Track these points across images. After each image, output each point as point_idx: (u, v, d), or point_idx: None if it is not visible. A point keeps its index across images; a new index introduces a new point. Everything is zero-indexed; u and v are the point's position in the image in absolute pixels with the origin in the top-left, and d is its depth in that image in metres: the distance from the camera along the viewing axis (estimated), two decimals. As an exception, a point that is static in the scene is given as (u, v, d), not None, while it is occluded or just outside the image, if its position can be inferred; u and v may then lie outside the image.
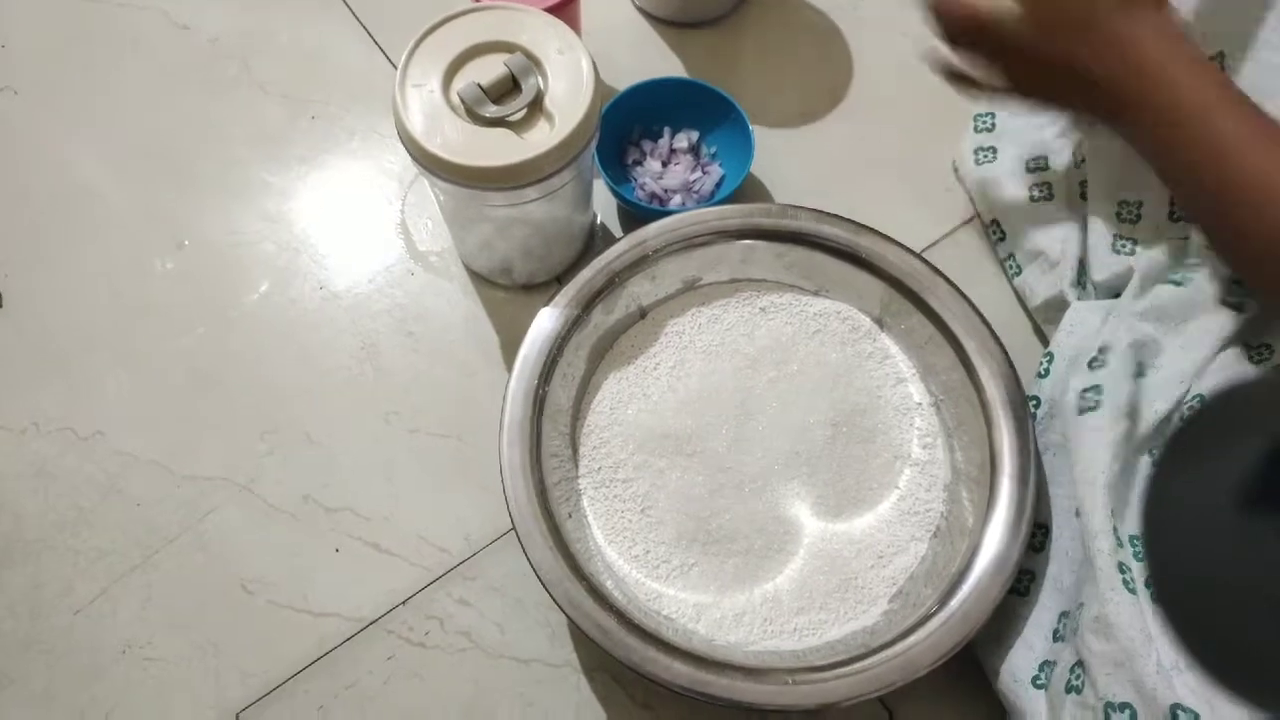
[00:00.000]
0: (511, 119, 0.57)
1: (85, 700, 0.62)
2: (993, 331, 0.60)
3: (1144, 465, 0.54)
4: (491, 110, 0.57)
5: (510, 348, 0.71)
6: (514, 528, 0.55)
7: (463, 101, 0.57)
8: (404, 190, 0.77)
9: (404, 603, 0.64)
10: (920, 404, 0.63)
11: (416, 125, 0.57)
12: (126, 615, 0.64)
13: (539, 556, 0.54)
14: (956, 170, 0.76)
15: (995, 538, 0.54)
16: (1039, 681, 0.53)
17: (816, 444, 0.61)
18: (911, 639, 0.52)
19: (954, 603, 0.53)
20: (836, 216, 0.63)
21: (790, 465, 0.61)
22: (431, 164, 0.57)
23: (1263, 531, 0.41)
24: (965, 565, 0.54)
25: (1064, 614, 0.54)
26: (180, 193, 0.77)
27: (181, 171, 0.78)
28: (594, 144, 0.60)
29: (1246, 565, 0.42)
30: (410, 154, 0.58)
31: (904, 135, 0.79)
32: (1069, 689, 0.50)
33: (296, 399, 0.70)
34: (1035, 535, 0.57)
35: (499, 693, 0.62)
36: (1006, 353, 0.59)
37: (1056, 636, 0.54)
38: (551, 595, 0.54)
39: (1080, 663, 0.49)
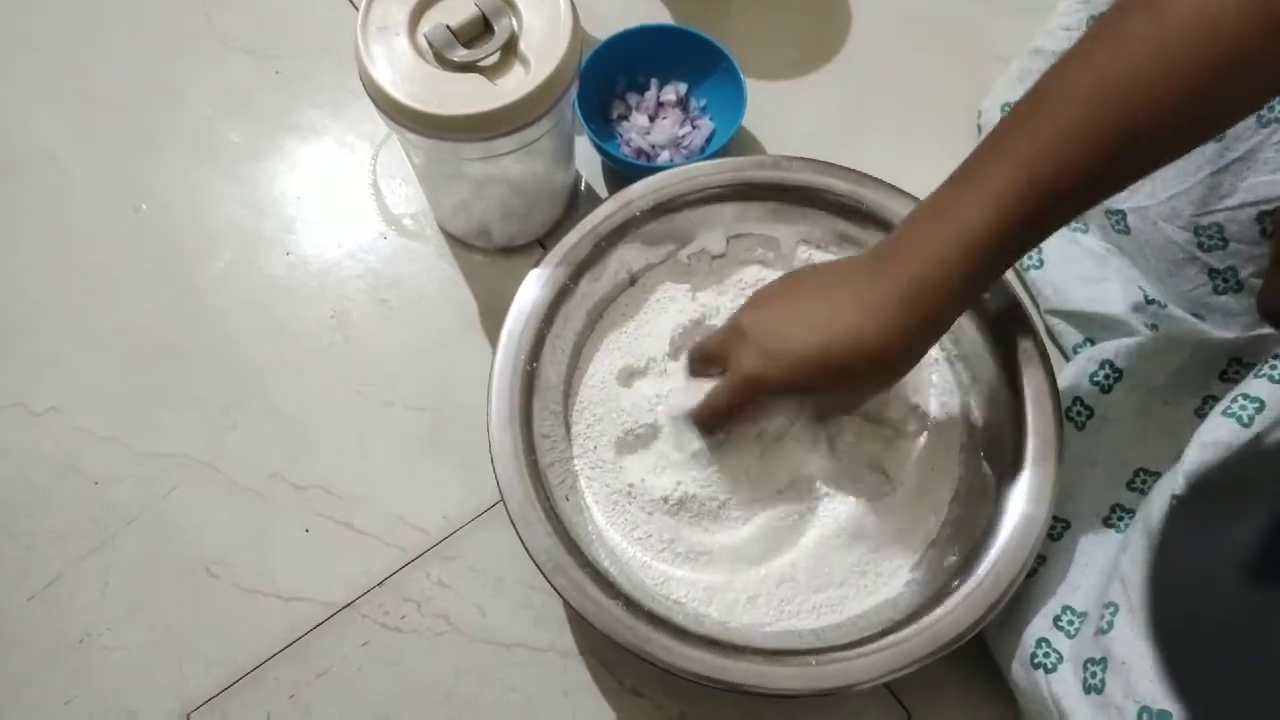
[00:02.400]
0: (483, 64, 0.53)
1: (40, 691, 0.58)
2: (1010, 284, 0.56)
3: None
4: (461, 54, 0.52)
5: (490, 314, 0.67)
6: (509, 515, 0.51)
7: (430, 45, 0.53)
8: (375, 149, 0.73)
9: (379, 585, 0.60)
10: (935, 359, 0.59)
11: (381, 72, 0.53)
12: (84, 601, 0.60)
13: (538, 544, 0.51)
14: (980, 119, 0.72)
15: (1020, 499, 0.51)
16: (1036, 660, 0.51)
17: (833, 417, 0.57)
18: (938, 610, 0.49)
19: (981, 569, 0.50)
20: (837, 166, 0.59)
21: (800, 434, 0.57)
22: (397, 114, 0.53)
23: (1267, 602, 0.41)
24: (990, 528, 0.51)
25: (1069, 608, 0.52)
26: (138, 153, 0.73)
27: (139, 131, 0.74)
28: (574, 91, 0.56)
29: (1250, 635, 0.41)
30: (375, 103, 0.54)
31: (909, 85, 0.75)
32: (1088, 689, 0.47)
33: (263, 371, 0.66)
34: (1053, 526, 0.55)
35: (481, 678, 0.58)
36: (1026, 306, 0.56)
37: (1057, 623, 0.52)
38: (554, 585, 0.50)
39: (1100, 660, 0.46)
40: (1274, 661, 0.42)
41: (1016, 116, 0.43)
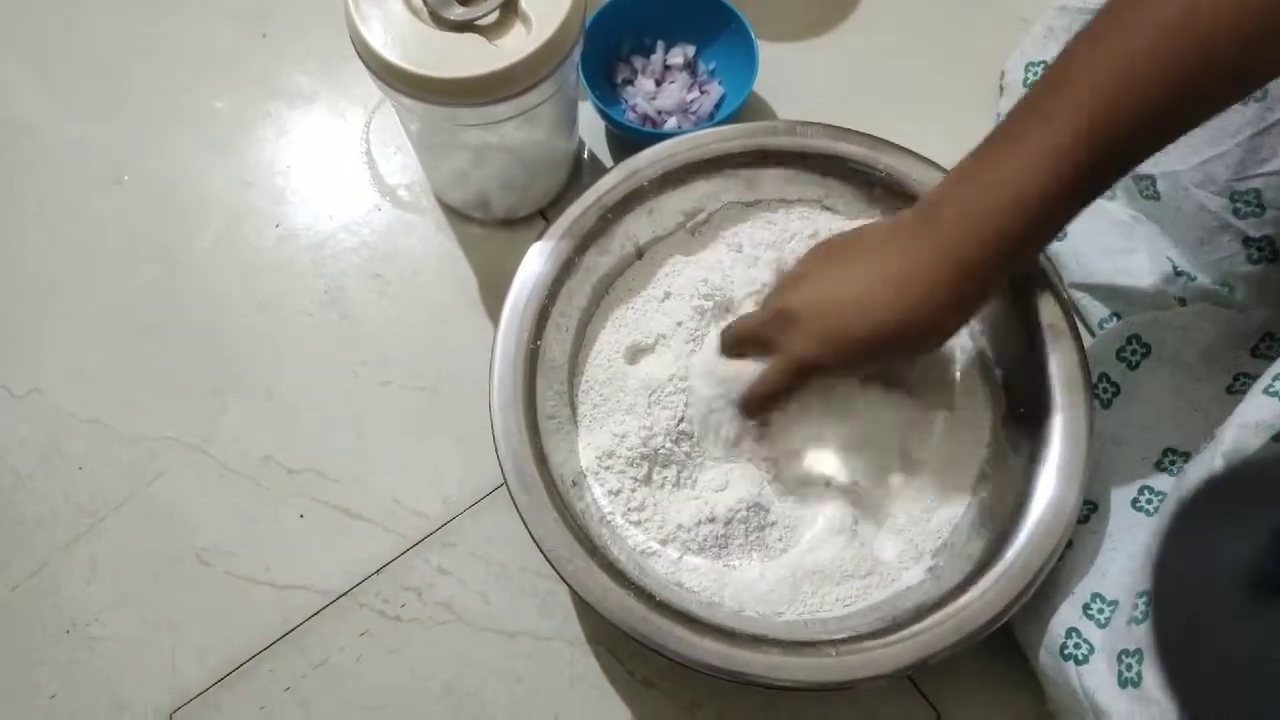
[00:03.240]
0: (482, 22, 0.50)
1: (26, 684, 0.56)
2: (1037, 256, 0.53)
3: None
4: (458, 12, 0.49)
5: (489, 289, 0.64)
6: (514, 503, 0.49)
7: (425, 3, 0.50)
8: (369, 116, 0.70)
9: (377, 572, 0.58)
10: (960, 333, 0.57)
11: (373, 33, 0.50)
12: (71, 590, 0.58)
13: (544, 531, 0.48)
14: (1003, 80, 0.69)
15: (1050, 481, 0.49)
16: (1066, 651, 0.49)
17: (846, 389, 0.55)
18: (964, 598, 0.47)
19: (1009, 554, 0.47)
20: (853, 132, 0.57)
21: (819, 414, 0.54)
22: (391, 77, 0.50)
23: (1269, 610, 0.39)
24: (1017, 512, 0.49)
25: (1098, 595, 0.50)
26: (119, 122, 0.70)
27: (120, 98, 0.71)
28: (577, 53, 0.53)
29: (1252, 643, 0.40)
30: (367, 66, 0.51)
31: (927, 46, 0.71)
32: (1123, 682, 0.44)
33: (253, 350, 0.63)
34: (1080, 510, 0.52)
35: (484, 668, 0.56)
36: (1057, 277, 0.53)
37: (1087, 612, 0.50)
38: (562, 575, 0.48)
39: (1135, 652, 0.44)
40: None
41: (1070, 59, 0.41)
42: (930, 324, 0.46)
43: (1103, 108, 0.40)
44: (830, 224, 0.58)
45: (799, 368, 0.48)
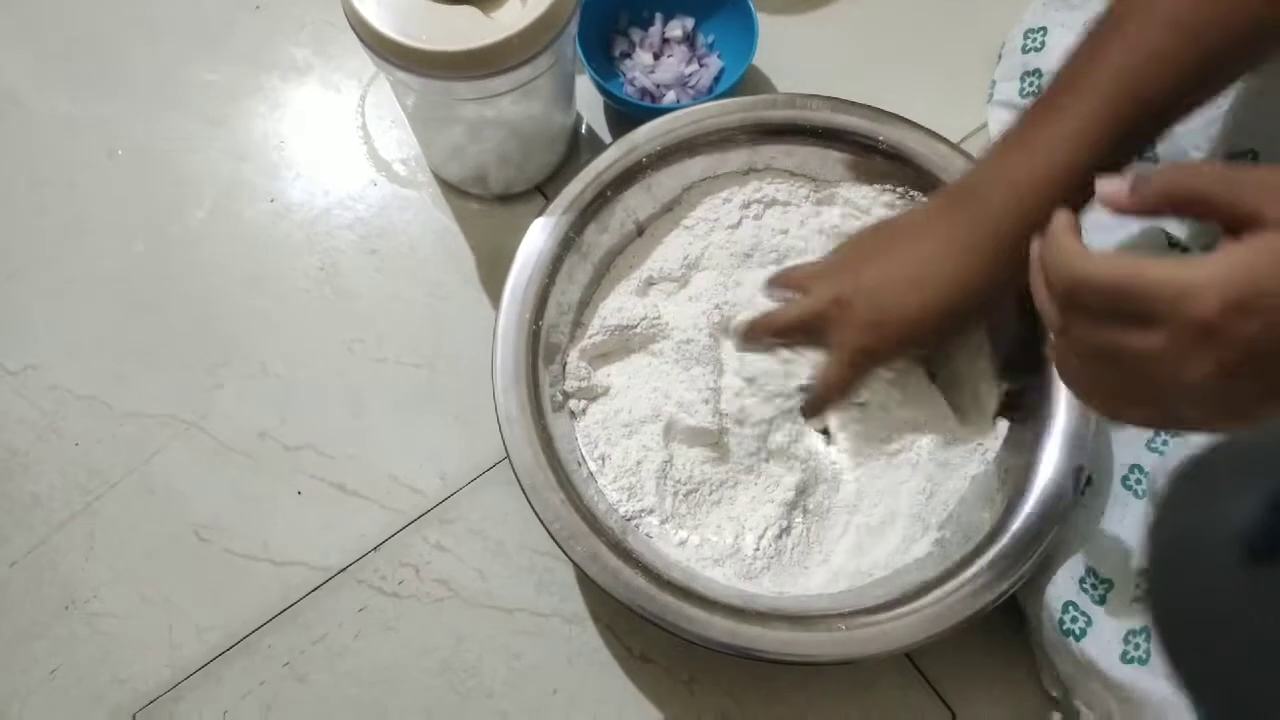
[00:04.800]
0: (477, -6, 0.49)
1: (26, 660, 0.56)
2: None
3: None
4: (453, -16, 0.48)
5: (487, 265, 0.64)
6: (519, 483, 0.49)
7: (419, -25, 0.49)
8: (364, 89, 0.69)
9: (375, 549, 0.58)
10: None
11: (366, 5, 0.49)
12: (69, 567, 0.58)
13: (551, 511, 0.48)
14: (1003, 49, 0.68)
15: (1053, 457, 0.49)
16: (1065, 626, 0.49)
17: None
18: (972, 569, 0.47)
19: (1016, 524, 0.48)
20: (854, 104, 0.56)
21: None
22: (384, 50, 0.49)
23: (1269, 578, 0.39)
24: (1024, 484, 0.49)
25: (1092, 570, 0.50)
26: (111, 96, 0.69)
27: (111, 72, 0.70)
28: (574, 25, 0.52)
29: (1253, 612, 0.39)
30: (360, 39, 0.50)
31: (929, 17, 0.70)
32: (1128, 660, 0.44)
33: (249, 326, 0.63)
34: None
35: (481, 645, 0.56)
36: None
37: (1083, 585, 0.49)
38: (568, 554, 0.48)
39: (1142, 630, 0.44)
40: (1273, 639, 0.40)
41: (1111, 20, 0.42)
42: (976, 299, 0.47)
43: (1131, 79, 0.41)
44: (823, 213, 0.58)
45: (860, 358, 0.49)
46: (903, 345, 0.49)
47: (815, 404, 0.52)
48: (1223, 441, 0.44)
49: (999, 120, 0.66)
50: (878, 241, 0.51)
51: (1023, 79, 0.65)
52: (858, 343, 0.48)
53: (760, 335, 0.53)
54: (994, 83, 0.67)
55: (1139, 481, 0.53)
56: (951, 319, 0.48)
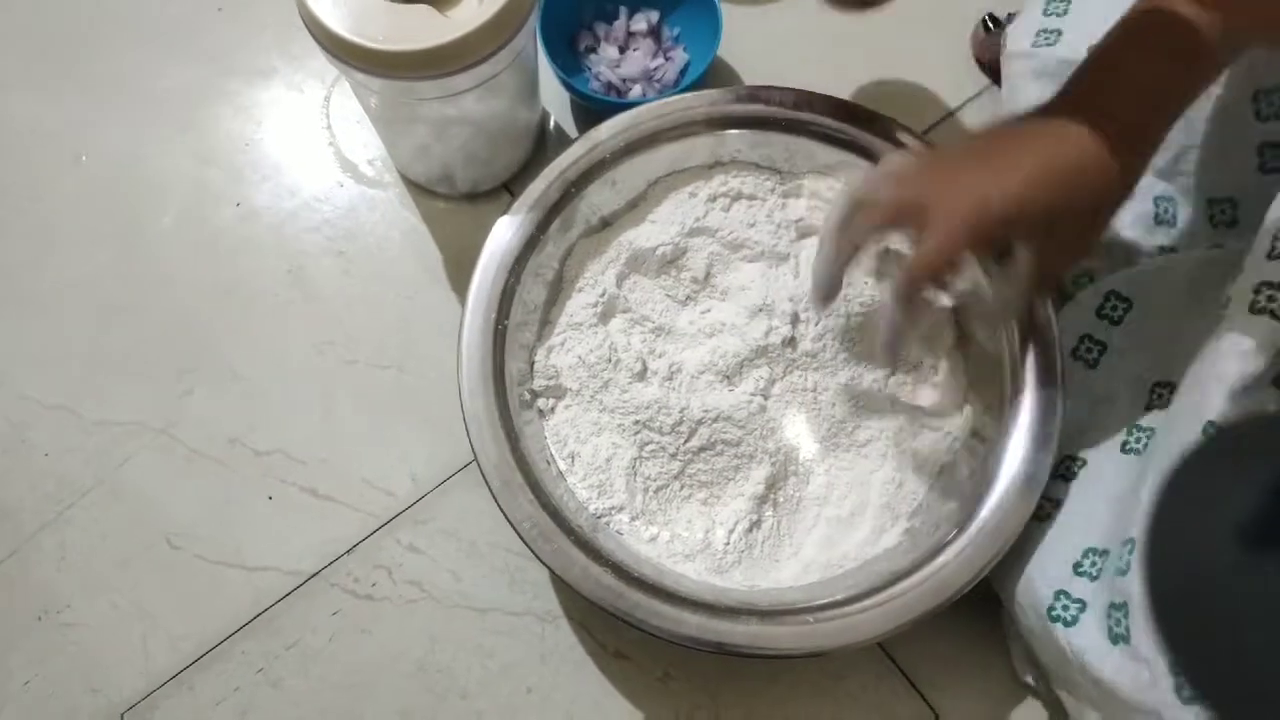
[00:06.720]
0: (432, -7, 0.48)
1: (0, 672, 0.56)
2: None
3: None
4: (408, -17, 0.48)
5: (455, 264, 0.64)
6: (487, 484, 0.49)
7: (374, -27, 0.48)
8: (328, 90, 0.69)
9: (348, 552, 0.58)
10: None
11: (321, 5, 0.49)
12: (40, 577, 0.58)
13: (519, 512, 0.48)
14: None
15: (1021, 444, 0.49)
16: (1054, 613, 0.48)
17: (816, 357, 0.54)
18: (940, 559, 0.47)
19: (984, 513, 0.48)
20: (819, 95, 0.56)
21: (789, 384, 0.54)
22: (342, 51, 0.49)
23: (1266, 567, 0.38)
24: (989, 475, 0.49)
25: (1091, 549, 0.49)
26: (74, 100, 0.68)
27: (74, 76, 0.69)
28: (533, 20, 0.52)
29: (1248, 601, 0.39)
30: (317, 40, 0.50)
31: (893, 8, 0.69)
32: (1114, 638, 0.44)
33: (217, 331, 0.63)
34: (1066, 464, 0.52)
35: (456, 645, 0.56)
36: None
37: (1078, 570, 0.49)
38: (537, 554, 0.48)
39: (1121, 605, 0.44)
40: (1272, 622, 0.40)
41: None
42: (1101, 168, 0.44)
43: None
44: (789, 205, 0.58)
45: (963, 228, 0.43)
46: (1007, 224, 0.44)
47: (911, 281, 0.45)
48: (1225, 421, 0.44)
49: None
50: (972, 148, 0.48)
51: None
52: (960, 212, 0.44)
53: (857, 224, 0.47)
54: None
55: (1139, 441, 0.51)
56: (1077, 187, 0.44)
